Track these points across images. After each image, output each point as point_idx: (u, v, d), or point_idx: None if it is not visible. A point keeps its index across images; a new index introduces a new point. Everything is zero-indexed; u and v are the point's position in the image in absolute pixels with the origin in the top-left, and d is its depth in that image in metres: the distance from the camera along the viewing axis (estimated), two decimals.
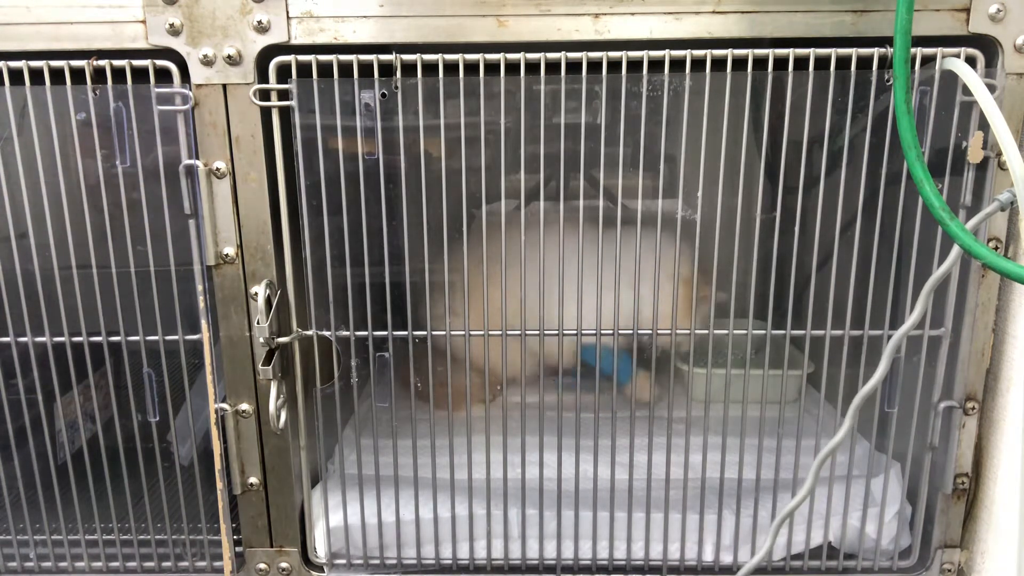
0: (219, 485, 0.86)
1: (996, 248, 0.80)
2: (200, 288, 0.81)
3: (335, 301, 0.83)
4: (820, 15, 0.75)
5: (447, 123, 0.78)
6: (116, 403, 0.88)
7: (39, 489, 0.90)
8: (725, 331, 0.84)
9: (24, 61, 0.75)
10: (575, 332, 0.85)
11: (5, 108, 0.78)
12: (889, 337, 0.79)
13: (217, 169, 0.78)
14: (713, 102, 0.77)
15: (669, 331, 0.85)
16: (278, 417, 0.83)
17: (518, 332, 0.85)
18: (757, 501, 0.88)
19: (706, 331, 0.85)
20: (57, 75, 0.76)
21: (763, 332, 0.84)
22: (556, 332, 0.84)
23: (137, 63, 0.76)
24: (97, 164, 0.79)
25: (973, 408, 0.84)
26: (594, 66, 0.76)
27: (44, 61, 0.75)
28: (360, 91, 0.77)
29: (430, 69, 0.76)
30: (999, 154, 0.76)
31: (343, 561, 0.92)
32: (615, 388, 0.92)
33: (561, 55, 0.75)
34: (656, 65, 0.75)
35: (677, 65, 0.75)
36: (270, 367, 0.81)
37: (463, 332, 0.85)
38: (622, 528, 0.90)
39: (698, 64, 0.75)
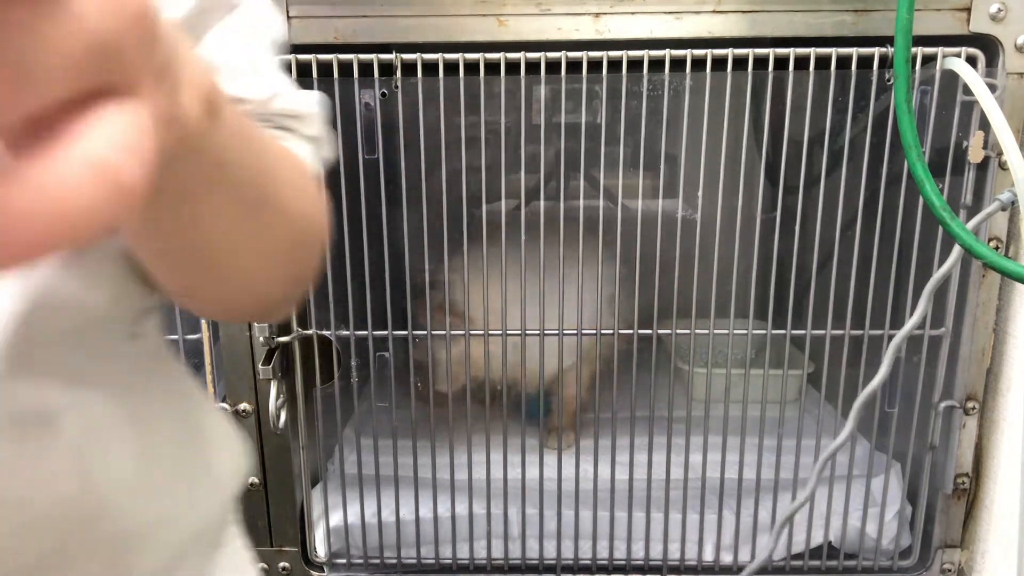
0: None
1: (997, 248, 0.80)
2: None
3: (335, 301, 0.83)
4: (820, 15, 0.74)
5: (447, 123, 0.78)
6: None
7: None
8: (725, 331, 0.84)
9: None
10: (575, 332, 0.85)
11: None
12: (890, 337, 0.79)
13: None
14: (713, 102, 0.77)
15: (669, 331, 0.85)
16: (278, 417, 0.83)
17: (518, 332, 0.84)
18: (757, 501, 0.88)
19: (706, 331, 0.85)
20: None
21: (763, 332, 0.84)
22: (556, 332, 0.84)
23: None
24: None
25: (973, 408, 0.84)
26: (594, 66, 0.75)
27: None
28: (360, 91, 0.77)
29: (430, 69, 0.76)
30: (1000, 154, 0.76)
31: (343, 561, 0.92)
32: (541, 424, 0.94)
33: (561, 55, 0.75)
34: (656, 65, 0.75)
35: (677, 65, 0.75)
36: (270, 367, 0.81)
37: (463, 332, 0.85)
38: (622, 528, 0.90)
39: (698, 64, 0.75)
